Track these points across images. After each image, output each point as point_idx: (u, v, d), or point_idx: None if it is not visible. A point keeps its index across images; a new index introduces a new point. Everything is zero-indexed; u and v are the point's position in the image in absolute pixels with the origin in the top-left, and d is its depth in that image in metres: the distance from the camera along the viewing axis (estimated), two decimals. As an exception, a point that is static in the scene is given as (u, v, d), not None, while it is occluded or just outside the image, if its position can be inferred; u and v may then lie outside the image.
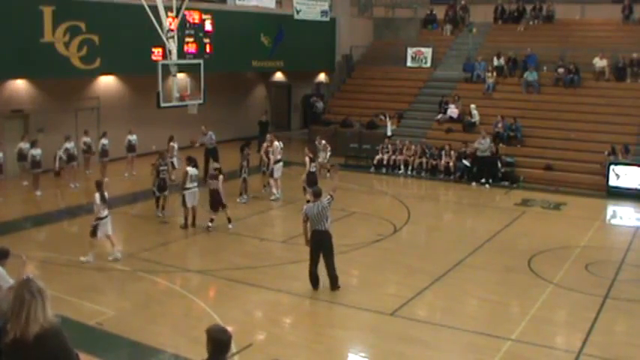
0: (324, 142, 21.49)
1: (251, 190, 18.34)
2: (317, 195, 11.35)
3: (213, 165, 16.27)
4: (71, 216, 16.86)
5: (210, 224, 14.98)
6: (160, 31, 16.28)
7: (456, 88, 25.75)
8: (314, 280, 11.39)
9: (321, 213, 11.10)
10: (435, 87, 26.49)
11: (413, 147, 22.71)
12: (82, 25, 19.61)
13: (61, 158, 19.52)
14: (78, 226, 16.36)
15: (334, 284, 11.35)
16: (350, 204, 18.25)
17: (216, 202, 14.94)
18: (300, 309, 11.08)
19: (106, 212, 12.86)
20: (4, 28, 17.86)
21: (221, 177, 14.99)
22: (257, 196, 18.38)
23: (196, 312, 10.64)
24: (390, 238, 15.09)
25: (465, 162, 21.33)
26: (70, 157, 19.64)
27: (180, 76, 17.45)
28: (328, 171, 21.29)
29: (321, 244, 11.26)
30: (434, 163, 22.14)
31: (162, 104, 16.41)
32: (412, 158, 22.44)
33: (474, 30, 28.64)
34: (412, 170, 22.43)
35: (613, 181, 19.75)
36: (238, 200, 17.84)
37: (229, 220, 15.20)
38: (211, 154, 21.12)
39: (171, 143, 19.88)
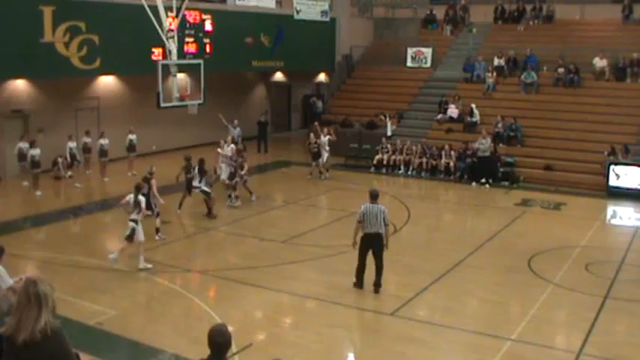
0: (328, 137, 21.40)
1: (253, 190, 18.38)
2: (374, 197, 11.17)
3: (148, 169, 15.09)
4: (71, 216, 16.86)
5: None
6: (160, 31, 16.28)
7: (456, 88, 25.73)
8: (361, 282, 11.41)
9: (378, 217, 10.99)
10: (435, 87, 26.47)
11: (413, 147, 22.71)
12: (82, 25, 19.59)
13: (63, 162, 19.52)
14: (78, 226, 16.40)
15: (378, 284, 11.34)
16: (350, 204, 18.23)
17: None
18: (300, 309, 11.07)
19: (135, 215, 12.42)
20: (4, 28, 17.85)
21: (154, 181, 14.35)
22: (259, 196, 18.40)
23: (196, 312, 10.64)
24: (390, 238, 15.03)
25: (470, 160, 21.31)
26: (73, 157, 19.66)
27: (180, 76, 17.44)
28: (327, 170, 21.33)
29: (372, 246, 11.16)
30: (434, 163, 22.14)
31: (163, 104, 16.41)
32: (411, 158, 22.46)
33: (474, 30, 28.65)
34: (412, 170, 22.44)
35: (613, 181, 19.74)
36: (253, 199, 17.89)
37: (157, 231, 14.34)
38: None
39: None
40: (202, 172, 16.37)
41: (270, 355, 9.01)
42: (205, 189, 16.28)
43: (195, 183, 16.26)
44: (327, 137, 21.38)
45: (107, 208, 17.85)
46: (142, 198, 12.51)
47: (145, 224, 14.56)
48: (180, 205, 16.54)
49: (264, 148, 26.19)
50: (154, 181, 14.47)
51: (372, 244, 11.15)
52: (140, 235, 12.31)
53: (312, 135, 21.56)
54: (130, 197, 12.45)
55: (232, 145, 18.53)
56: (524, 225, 16.45)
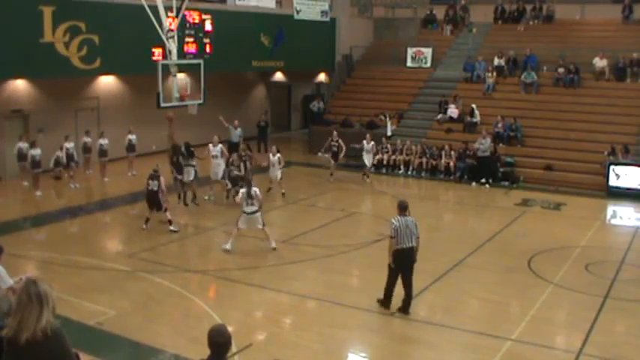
0: (373, 143, 21.24)
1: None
2: (404, 208, 10.27)
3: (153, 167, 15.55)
4: (71, 216, 16.85)
5: (145, 225, 15.01)
6: (160, 31, 16.27)
7: (456, 88, 25.74)
8: (390, 301, 10.53)
9: (411, 229, 10.15)
10: (435, 87, 26.48)
11: (413, 147, 22.72)
12: (82, 25, 19.59)
13: (58, 160, 19.48)
14: (78, 226, 16.39)
15: (408, 306, 10.44)
16: (350, 204, 18.27)
17: (152, 203, 14.97)
18: (300, 309, 11.07)
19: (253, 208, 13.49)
20: (4, 28, 17.86)
21: (162, 178, 14.97)
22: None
23: (196, 312, 10.63)
24: (390, 238, 15.04)
25: (470, 161, 21.32)
26: (70, 158, 19.65)
27: (180, 76, 17.45)
28: (367, 176, 21.11)
29: (407, 262, 10.27)
30: (434, 163, 22.15)
31: (163, 104, 16.40)
32: (411, 158, 22.46)
33: (474, 30, 28.65)
34: (412, 170, 22.45)
35: (613, 181, 19.75)
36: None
37: (170, 222, 14.98)
38: (234, 149, 21.27)
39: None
40: (191, 154, 17.10)
41: (270, 355, 9.03)
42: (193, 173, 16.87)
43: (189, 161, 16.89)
44: (372, 143, 21.17)
45: (107, 208, 17.87)
46: (256, 189, 13.50)
47: (154, 220, 14.87)
48: (185, 201, 16.91)
49: (264, 149, 26.17)
50: (162, 178, 14.95)
51: (407, 259, 10.25)
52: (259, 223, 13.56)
53: (335, 133, 21.40)
54: (244, 192, 13.43)
55: (220, 145, 18.47)
56: (524, 225, 16.45)
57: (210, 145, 18.22)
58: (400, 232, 10.06)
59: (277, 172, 18.59)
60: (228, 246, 13.50)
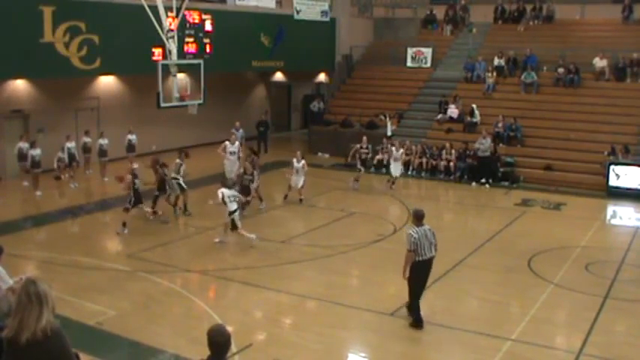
0: (402, 150, 20.79)
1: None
2: (421, 218, 9.88)
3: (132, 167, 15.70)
4: (71, 216, 16.85)
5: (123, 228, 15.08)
6: (160, 31, 16.27)
7: (456, 88, 25.75)
8: (420, 317, 10.05)
9: (430, 239, 9.81)
10: (435, 87, 26.49)
11: (413, 147, 22.73)
12: (82, 25, 19.60)
13: (61, 160, 19.48)
14: (78, 226, 16.39)
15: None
16: (350, 204, 18.26)
17: (139, 199, 15.21)
18: (300, 309, 11.07)
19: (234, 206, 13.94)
20: (4, 28, 17.85)
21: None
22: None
23: (196, 312, 10.63)
24: (390, 238, 15.08)
25: (471, 161, 21.31)
26: (71, 157, 19.66)
27: (180, 76, 17.45)
28: (393, 183, 20.32)
29: (427, 273, 9.97)
30: (434, 163, 22.16)
31: (163, 104, 16.41)
32: (411, 158, 22.46)
33: (474, 30, 28.66)
34: (412, 170, 22.45)
35: (613, 181, 19.76)
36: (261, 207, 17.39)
37: (155, 213, 15.74)
38: None
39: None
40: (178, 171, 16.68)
41: (270, 355, 9.04)
42: (183, 184, 16.47)
43: (174, 174, 16.43)
44: (401, 151, 20.69)
45: (107, 208, 17.86)
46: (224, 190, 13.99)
47: (154, 221, 14.78)
48: (175, 206, 16.71)
49: (264, 148, 26.18)
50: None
51: (427, 271, 9.95)
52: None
53: (365, 138, 20.43)
54: (224, 192, 13.82)
55: (237, 143, 18.52)
56: (524, 225, 16.45)
57: (227, 143, 18.41)
58: (420, 244, 9.68)
59: (301, 180, 17.93)
60: (253, 236, 14.02)
